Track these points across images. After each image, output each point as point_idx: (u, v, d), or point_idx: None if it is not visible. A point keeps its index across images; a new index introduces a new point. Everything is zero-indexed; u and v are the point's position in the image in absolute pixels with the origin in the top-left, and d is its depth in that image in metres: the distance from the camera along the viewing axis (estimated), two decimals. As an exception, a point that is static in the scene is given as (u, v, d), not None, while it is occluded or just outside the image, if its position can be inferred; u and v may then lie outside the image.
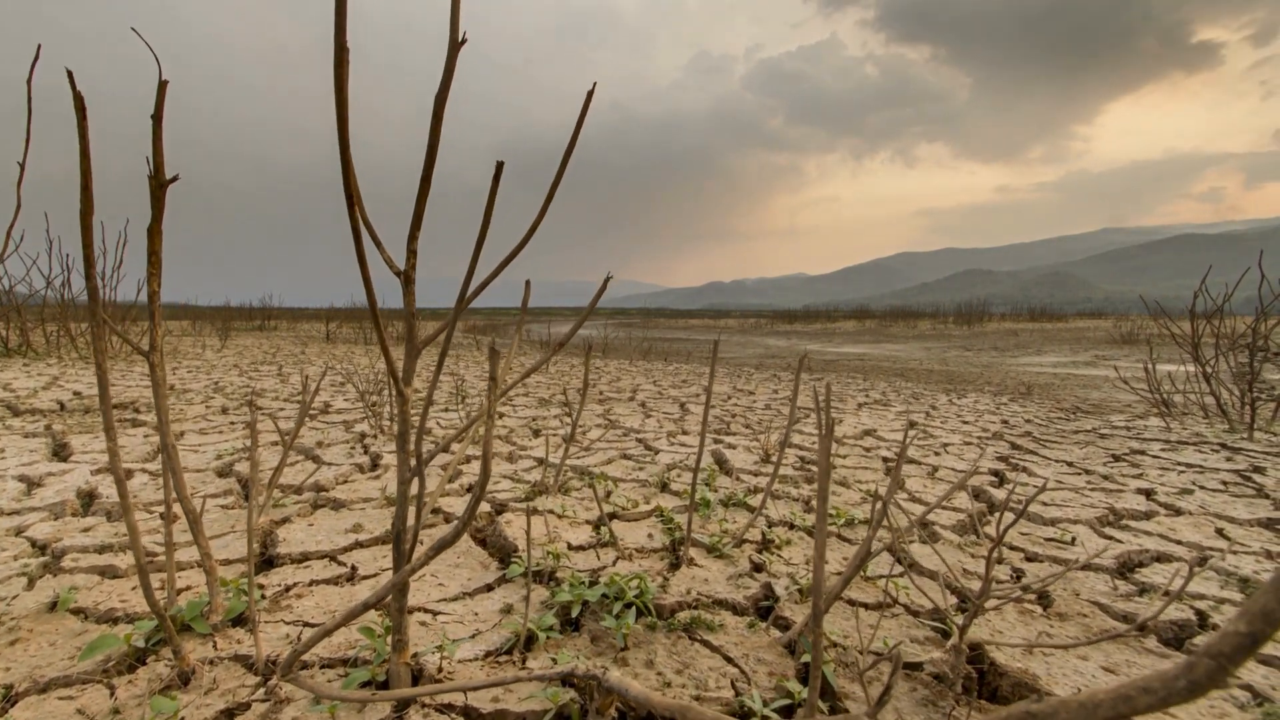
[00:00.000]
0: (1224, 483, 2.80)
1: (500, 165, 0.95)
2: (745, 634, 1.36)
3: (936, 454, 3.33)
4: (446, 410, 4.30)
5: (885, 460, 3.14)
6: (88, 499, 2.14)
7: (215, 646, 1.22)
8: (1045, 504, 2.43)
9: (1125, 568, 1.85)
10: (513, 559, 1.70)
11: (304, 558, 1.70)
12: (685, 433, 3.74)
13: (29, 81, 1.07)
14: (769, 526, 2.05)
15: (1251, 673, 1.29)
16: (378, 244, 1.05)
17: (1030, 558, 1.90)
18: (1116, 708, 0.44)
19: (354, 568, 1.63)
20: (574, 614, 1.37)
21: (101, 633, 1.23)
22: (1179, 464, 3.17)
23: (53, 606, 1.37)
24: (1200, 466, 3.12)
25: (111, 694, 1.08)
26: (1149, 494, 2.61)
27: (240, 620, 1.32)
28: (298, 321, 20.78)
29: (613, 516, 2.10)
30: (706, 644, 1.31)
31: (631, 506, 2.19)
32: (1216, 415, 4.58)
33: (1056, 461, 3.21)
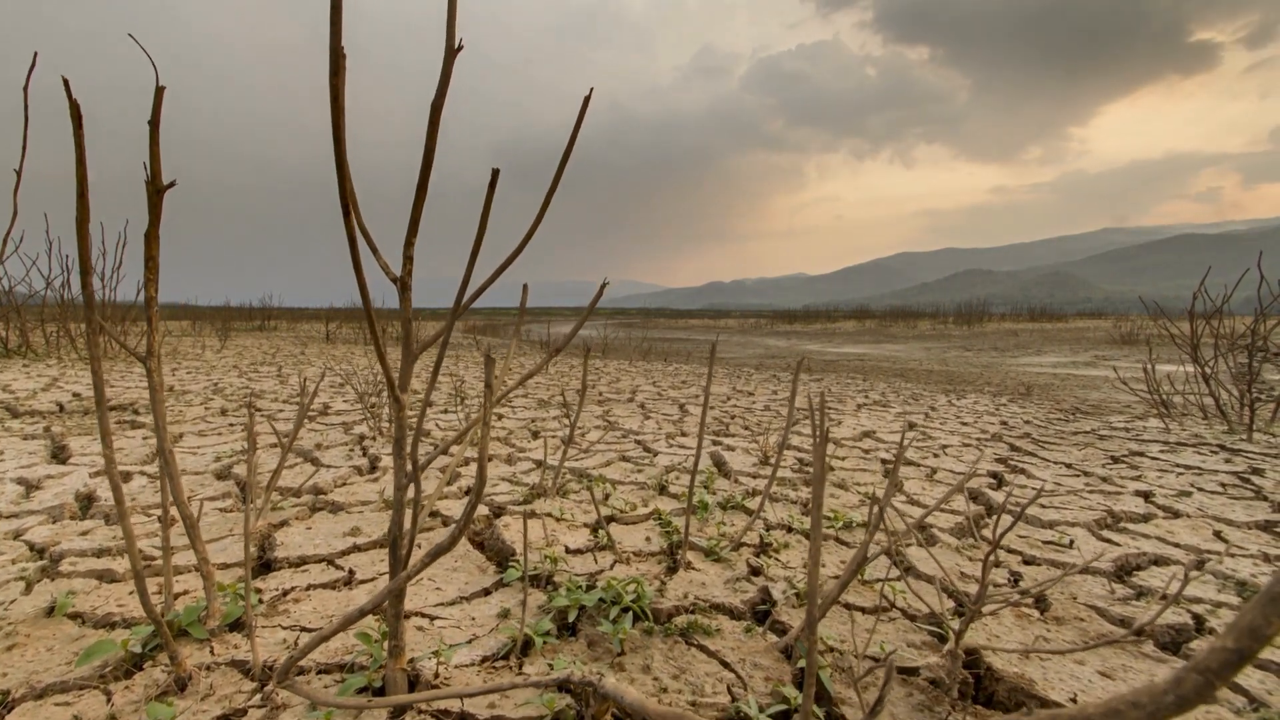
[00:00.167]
0: (1222, 485, 2.80)
1: (496, 173, 0.95)
2: (742, 639, 1.36)
3: (935, 455, 3.33)
4: (446, 412, 4.31)
5: (884, 462, 3.14)
6: (86, 502, 2.14)
7: (212, 652, 1.23)
8: (1043, 506, 2.43)
9: (1123, 571, 1.85)
10: (510, 563, 1.70)
11: (302, 561, 1.70)
12: (684, 434, 3.74)
13: (25, 89, 1.07)
14: (767, 530, 2.05)
15: (1248, 677, 1.29)
16: (374, 251, 1.05)
17: (1028, 560, 1.90)
18: (1106, 722, 0.44)
19: (351, 572, 1.63)
20: (571, 619, 1.37)
21: (99, 638, 1.23)
22: (1178, 466, 3.17)
23: (50, 611, 1.37)
24: (1199, 468, 3.12)
25: (108, 700, 1.08)
26: (1147, 496, 2.61)
27: (238, 625, 1.32)
28: (297, 322, 20.78)
29: (610, 520, 2.10)
30: (703, 649, 1.31)
31: (630, 509, 2.19)
32: (1215, 416, 4.58)
33: (1055, 463, 3.21)
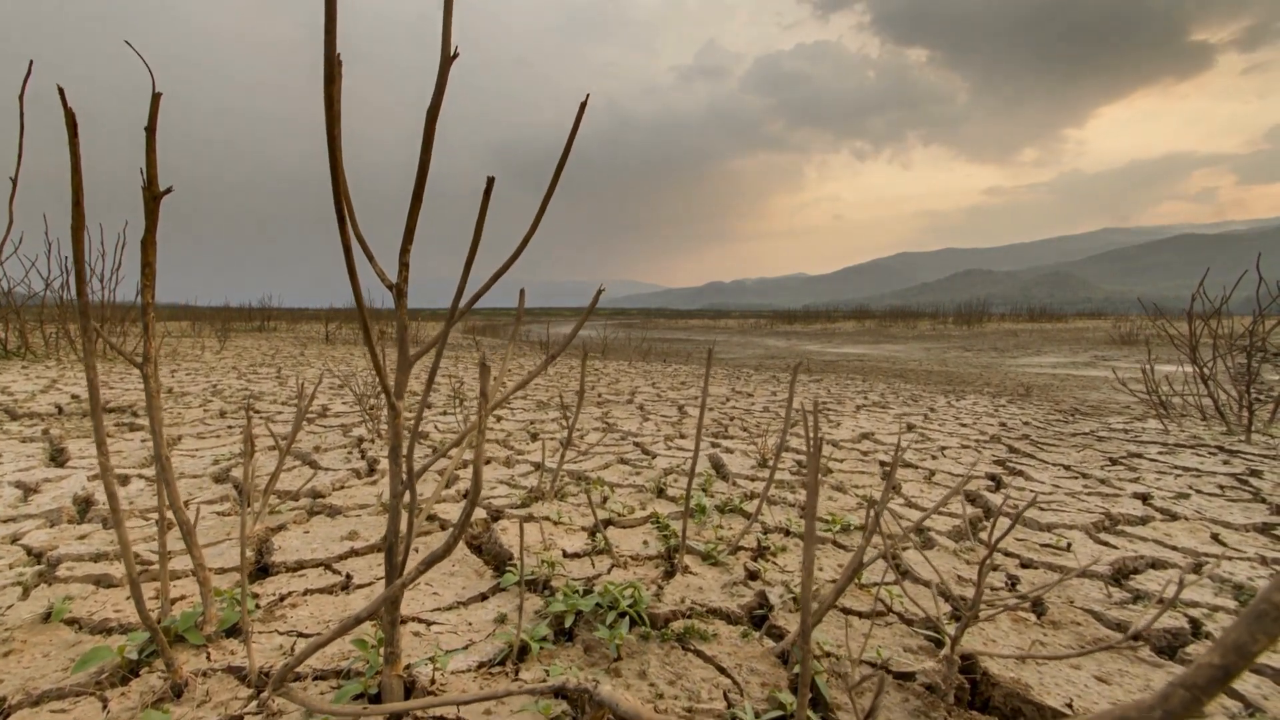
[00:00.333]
0: (1220, 487, 2.81)
1: (491, 181, 0.95)
2: (739, 644, 1.36)
3: (934, 457, 3.33)
4: (445, 413, 4.31)
5: (882, 464, 3.15)
6: (84, 505, 2.14)
7: (209, 658, 1.23)
8: (1041, 509, 2.43)
9: (1120, 574, 1.85)
10: (508, 567, 1.70)
11: (299, 566, 1.70)
12: (683, 436, 3.74)
13: (21, 97, 1.07)
14: (764, 533, 2.05)
15: (1244, 682, 1.29)
16: (370, 258, 1.05)
17: (1025, 564, 1.90)
18: (1094, 737, 0.44)
19: (349, 576, 1.64)
20: (568, 624, 1.37)
21: (95, 644, 1.23)
22: (1176, 467, 3.18)
23: (47, 617, 1.37)
24: (1197, 470, 3.12)
25: (104, 706, 1.08)
26: (1145, 498, 2.61)
27: (234, 631, 1.32)
28: (297, 322, 20.78)
29: (608, 523, 2.10)
30: (700, 654, 1.31)
31: (627, 512, 2.19)
32: (1214, 417, 4.58)
33: (1054, 465, 3.21)
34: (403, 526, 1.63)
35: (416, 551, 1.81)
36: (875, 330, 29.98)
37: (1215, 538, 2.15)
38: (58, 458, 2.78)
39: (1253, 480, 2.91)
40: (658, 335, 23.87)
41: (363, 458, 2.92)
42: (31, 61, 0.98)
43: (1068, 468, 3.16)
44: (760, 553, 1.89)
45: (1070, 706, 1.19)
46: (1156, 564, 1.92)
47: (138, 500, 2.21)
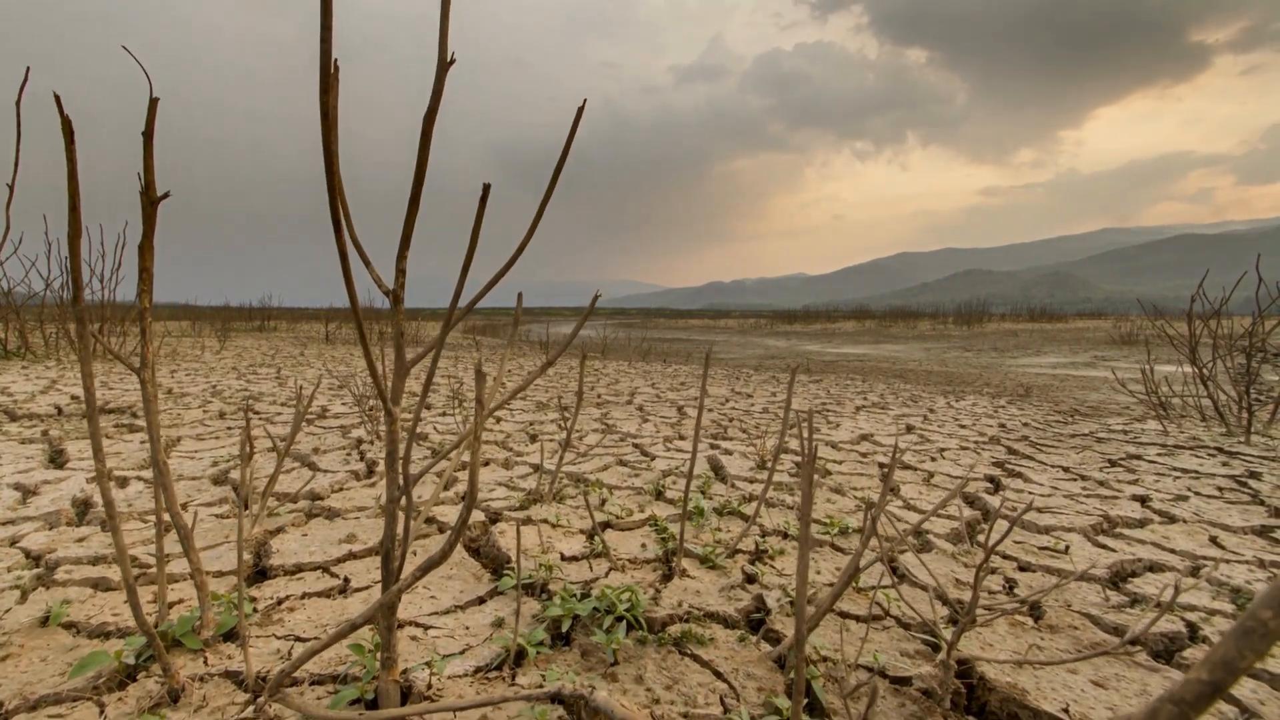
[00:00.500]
0: (1219, 488, 2.81)
1: (487, 188, 0.95)
2: (736, 648, 1.36)
3: (933, 459, 3.33)
4: (444, 414, 4.31)
5: (881, 466, 3.15)
6: (83, 508, 2.14)
7: (206, 662, 1.23)
8: (1040, 511, 2.44)
9: (1118, 577, 1.85)
10: (506, 570, 1.70)
11: (297, 569, 1.70)
12: (682, 437, 3.74)
13: (18, 102, 1.07)
14: (762, 536, 2.05)
15: (1240, 687, 1.29)
16: (367, 264, 1.05)
17: (1023, 567, 1.91)
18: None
19: (347, 580, 1.64)
20: (564, 628, 1.37)
21: (92, 649, 1.23)
22: (1175, 469, 3.18)
23: (45, 621, 1.37)
24: (1196, 472, 3.12)
25: (101, 712, 1.08)
26: (1144, 501, 2.61)
27: (232, 635, 1.32)
28: (297, 322, 20.79)
29: (606, 526, 2.10)
30: (696, 659, 1.31)
31: (626, 515, 2.20)
32: (1214, 418, 4.58)
33: (1052, 467, 3.21)
34: (400, 530, 1.64)
35: (415, 555, 1.81)
36: (875, 330, 29.97)
37: (1213, 540, 2.15)
38: (57, 459, 2.78)
39: (1251, 482, 2.91)
40: (658, 335, 23.88)
41: (361, 459, 2.92)
42: (29, 68, 0.98)
43: (1066, 469, 3.16)
44: (758, 556, 1.89)
45: (1067, 711, 1.19)
46: (1154, 567, 1.92)
47: (136, 502, 2.21)
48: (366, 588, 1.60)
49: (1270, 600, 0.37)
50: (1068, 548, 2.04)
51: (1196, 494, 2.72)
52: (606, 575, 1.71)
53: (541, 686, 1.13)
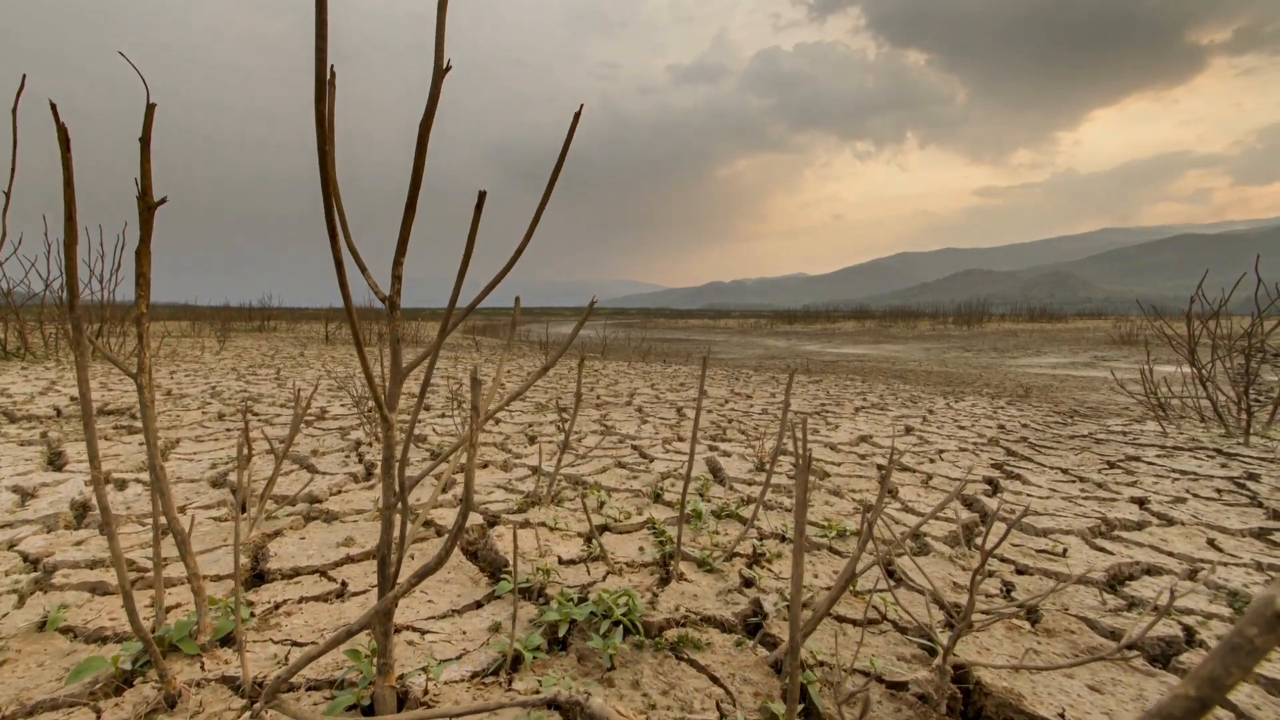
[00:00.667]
0: (1218, 490, 2.81)
1: (482, 195, 0.95)
2: (732, 653, 1.36)
3: (931, 461, 3.34)
4: (443, 416, 4.31)
5: (880, 468, 3.15)
6: (81, 510, 2.14)
7: (203, 668, 1.23)
8: (1038, 514, 2.44)
9: (1115, 580, 1.85)
10: (503, 574, 1.70)
11: (295, 573, 1.70)
12: (681, 439, 3.74)
13: (14, 110, 1.08)
14: (760, 539, 2.05)
15: (1236, 693, 1.29)
16: (363, 270, 1.05)
17: (1021, 570, 1.91)
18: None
19: (344, 584, 1.64)
20: (561, 633, 1.37)
21: (89, 654, 1.23)
22: (1173, 471, 3.18)
23: (42, 625, 1.37)
24: (1194, 474, 3.12)
25: (98, 717, 1.08)
26: (1142, 503, 2.61)
27: (229, 640, 1.32)
28: (297, 322, 20.78)
29: (604, 529, 2.10)
30: (693, 664, 1.32)
31: (624, 518, 2.20)
32: (1213, 419, 4.58)
33: (1051, 468, 3.21)
34: (396, 536, 1.64)
35: (412, 558, 1.81)
36: (875, 330, 29.97)
37: (1211, 543, 2.15)
38: (55, 461, 2.78)
39: (1250, 484, 2.91)
40: (657, 335, 23.88)
41: (360, 461, 2.92)
42: (25, 75, 0.98)
43: (1065, 471, 3.16)
44: (756, 559, 1.89)
45: (1063, 716, 1.19)
46: (1152, 570, 1.92)
47: (135, 505, 2.21)
48: (364, 591, 1.60)
49: (1256, 617, 0.37)
50: (1065, 550, 2.04)
51: (1195, 496, 2.72)
52: (604, 579, 1.71)
53: (538, 692, 1.13)
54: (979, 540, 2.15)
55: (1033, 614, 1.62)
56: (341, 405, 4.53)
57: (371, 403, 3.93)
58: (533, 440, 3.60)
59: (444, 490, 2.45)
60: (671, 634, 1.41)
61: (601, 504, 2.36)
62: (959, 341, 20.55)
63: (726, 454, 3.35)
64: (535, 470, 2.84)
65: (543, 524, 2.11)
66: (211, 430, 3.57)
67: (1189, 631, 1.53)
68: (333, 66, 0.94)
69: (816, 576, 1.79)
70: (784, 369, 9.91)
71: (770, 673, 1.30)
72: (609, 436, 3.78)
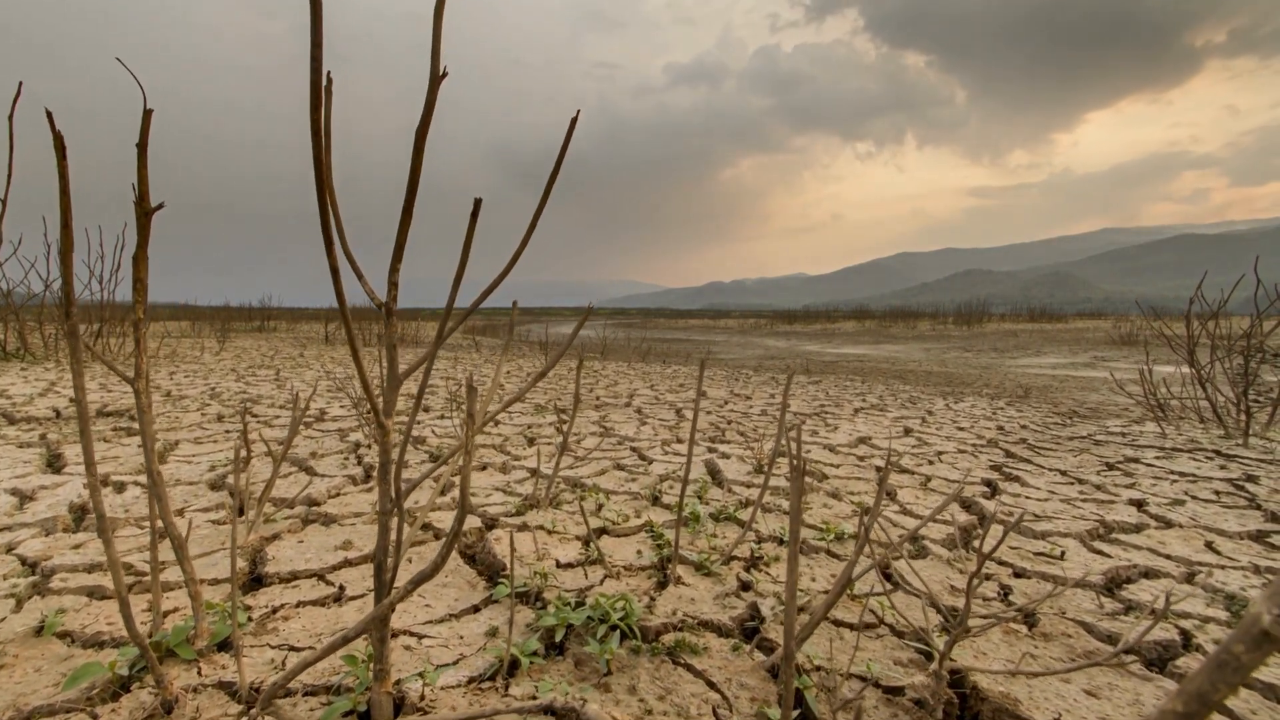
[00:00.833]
0: (1216, 492, 2.81)
1: (478, 202, 0.95)
2: (730, 657, 1.37)
3: (930, 462, 3.34)
4: (442, 417, 4.31)
5: (879, 470, 3.15)
6: (79, 513, 2.15)
7: (200, 673, 1.23)
8: (1036, 516, 2.44)
9: (1113, 584, 1.85)
10: (501, 578, 1.70)
11: (293, 577, 1.71)
12: (680, 441, 3.74)
13: (10, 117, 1.08)
14: (758, 543, 2.05)
15: (1233, 697, 1.29)
16: (359, 276, 1.05)
17: (1018, 573, 1.91)
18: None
19: (342, 588, 1.64)
20: (558, 637, 1.38)
21: (86, 660, 1.23)
22: (1172, 472, 3.18)
23: (39, 630, 1.37)
24: (1193, 475, 3.12)
25: (95, 723, 1.08)
26: (1140, 505, 2.61)
27: (226, 645, 1.32)
28: (297, 322, 20.79)
29: (602, 532, 2.10)
30: (690, 668, 1.32)
31: (622, 521, 2.20)
32: (1212, 420, 4.58)
33: (1050, 470, 3.21)
34: (393, 541, 1.64)
35: (410, 562, 1.81)
36: (875, 330, 29.97)
37: (1209, 546, 2.15)
38: (54, 463, 2.78)
39: (1249, 486, 2.91)
40: (657, 335, 23.88)
41: (359, 464, 2.92)
42: (21, 82, 0.98)
43: (1064, 473, 3.16)
44: (753, 563, 1.89)
45: (1059, 722, 1.19)
46: (1150, 573, 1.92)
47: (134, 508, 2.21)
48: (361, 595, 1.60)
49: (1244, 635, 0.37)
50: (1063, 553, 2.04)
51: (1193, 498, 2.72)
52: (601, 583, 1.71)
53: (535, 698, 1.13)
54: (977, 543, 2.15)
55: (1030, 618, 1.62)
56: (341, 407, 4.53)
57: (369, 404, 3.94)
58: (531, 442, 3.60)
59: (442, 493, 2.45)
60: (668, 638, 1.41)
61: (600, 506, 2.36)
62: (959, 342, 20.55)
63: (725, 456, 3.35)
64: (534, 472, 2.84)
65: (541, 527, 2.11)
66: (210, 432, 3.57)
67: (1186, 636, 1.53)
68: (329, 74, 0.94)
69: (814, 580, 1.80)
70: (783, 369, 9.91)
71: (767, 677, 1.30)
72: (608, 438, 3.78)
